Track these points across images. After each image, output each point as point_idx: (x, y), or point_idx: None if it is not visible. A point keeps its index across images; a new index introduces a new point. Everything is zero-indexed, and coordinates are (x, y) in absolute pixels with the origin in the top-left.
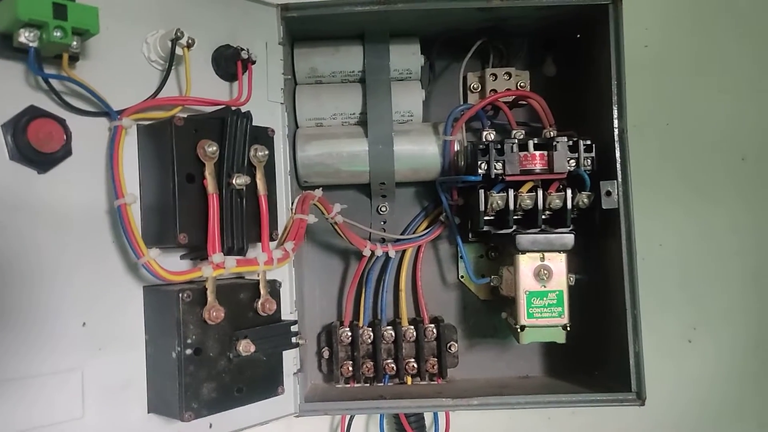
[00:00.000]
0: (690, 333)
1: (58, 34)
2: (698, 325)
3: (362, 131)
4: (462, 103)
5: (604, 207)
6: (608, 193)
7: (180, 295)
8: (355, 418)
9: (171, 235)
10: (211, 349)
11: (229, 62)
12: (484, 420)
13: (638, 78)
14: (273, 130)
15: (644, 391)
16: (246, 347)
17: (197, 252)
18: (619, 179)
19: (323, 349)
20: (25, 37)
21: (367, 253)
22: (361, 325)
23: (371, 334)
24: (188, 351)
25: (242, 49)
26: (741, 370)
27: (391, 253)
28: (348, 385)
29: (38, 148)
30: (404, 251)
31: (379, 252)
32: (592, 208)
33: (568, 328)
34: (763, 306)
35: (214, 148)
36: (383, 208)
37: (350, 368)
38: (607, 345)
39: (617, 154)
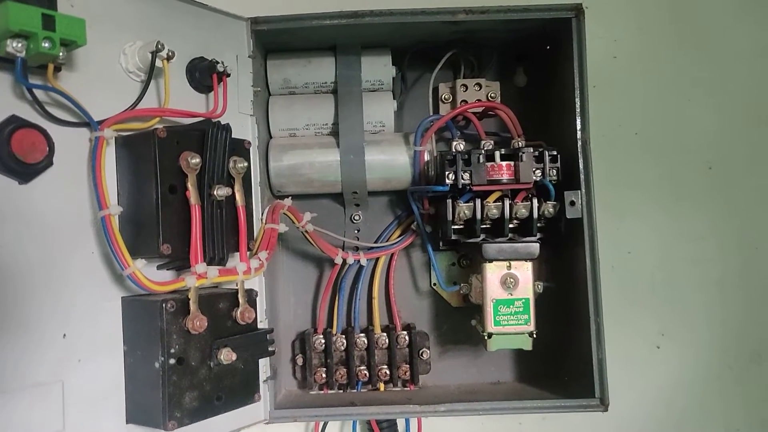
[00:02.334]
0: (658, 339)
1: (47, 45)
2: (666, 331)
3: (335, 141)
4: (432, 113)
5: (568, 216)
6: (572, 203)
7: (164, 305)
8: (329, 424)
9: (153, 246)
10: (193, 359)
11: (204, 74)
12: (456, 426)
13: (608, 89)
14: (249, 142)
15: (607, 397)
16: (227, 356)
17: (176, 262)
18: (583, 189)
19: (297, 356)
20: (12, 47)
21: (338, 261)
22: (334, 332)
23: (344, 341)
24: (171, 361)
25: (218, 62)
26: (708, 376)
27: (363, 261)
28: (321, 392)
29: (22, 158)
30: (377, 259)
31: (350, 260)
32: (557, 218)
33: (535, 336)
34: (729, 312)
35: (197, 160)
36: (357, 217)
37: (323, 375)
38: (574, 352)
39: (580, 165)
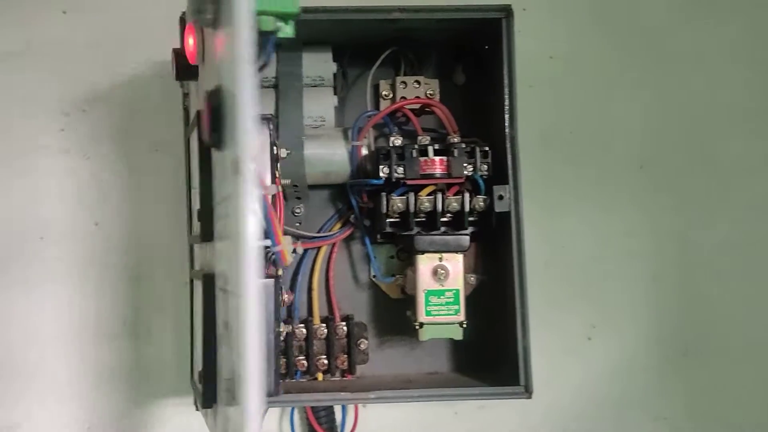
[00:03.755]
0: (590, 331)
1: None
2: (597, 323)
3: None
4: (371, 109)
5: (496, 210)
6: (500, 197)
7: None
8: (268, 413)
9: None
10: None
11: None
12: (393, 415)
13: (544, 88)
14: None
15: (531, 384)
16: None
17: None
18: (511, 184)
19: None
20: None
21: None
22: None
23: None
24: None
25: None
26: (637, 367)
27: (299, 250)
28: None
29: None
30: (317, 252)
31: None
32: (488, 212)
33: (465, 326)
34: (657, 305)
35: None
36: (298, 210)
37: None
38: (504, 342)
39: (509, 160)
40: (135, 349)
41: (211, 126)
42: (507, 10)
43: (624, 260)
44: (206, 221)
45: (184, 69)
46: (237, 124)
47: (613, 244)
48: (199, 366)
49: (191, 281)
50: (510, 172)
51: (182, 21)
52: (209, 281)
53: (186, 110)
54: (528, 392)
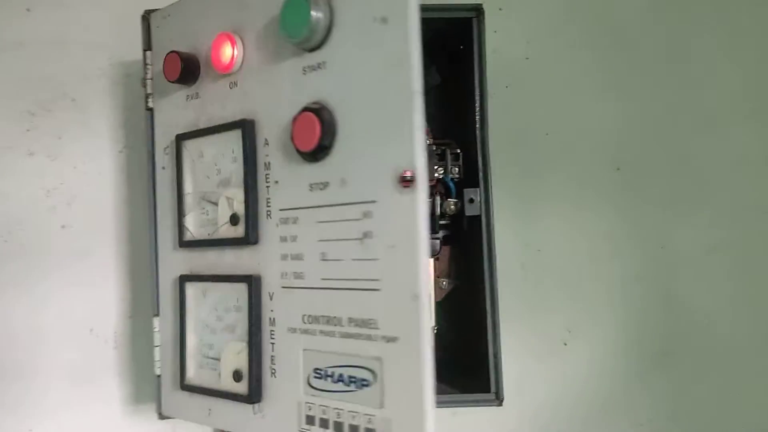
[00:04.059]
0: (565, 335)
1: None
2: (573, 328)
3: None
4: None
5: (467, 214)
6: (471, 200)
7: None
8: None
9: None
10: None
11: None
12: None
13: (520, 89)
14: None
15: (502, 391)
16: None
17: None
18: (481, 186)
19: None
20: None
21: None
22: None
23: None
24: None
25: None
26: (614, 371)
27: None
28: None
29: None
30: None
31: None
32: (461, 215)
33: (435, 330)
34: (635, 309)
35: None
36: None
37: None
38: (476, 348)
39: (479, 163)
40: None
41: (321, 141)
42: (478, 10)
43: (601, 263)
44: (252, 226)
45: (187, 73)
46: (412, 140)
47: (590, 246)
48: (219, 367)
49: (180, 284)
50: (480, 174)
51: (144, 19)
52: (257, 283)
53: (150, 111)
54: (498, 399)
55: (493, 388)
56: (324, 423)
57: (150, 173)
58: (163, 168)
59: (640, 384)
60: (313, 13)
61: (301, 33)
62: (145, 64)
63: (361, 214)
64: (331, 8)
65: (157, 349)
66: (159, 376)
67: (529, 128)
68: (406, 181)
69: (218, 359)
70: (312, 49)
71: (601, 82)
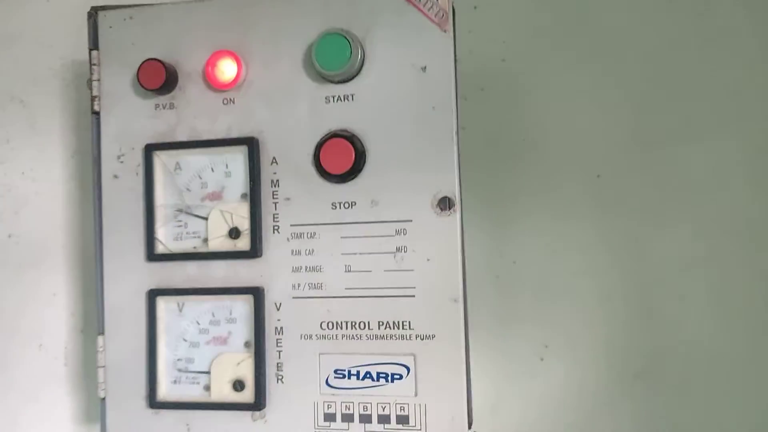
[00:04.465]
0: (542, 351)
1: None
2: (550, 343)
3: None
4: None
5: None
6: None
7: None
8: None
9: None
10: None
11: None
12: None
13: (496, 92)
14: None
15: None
16: None
17: None
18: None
19: None
20: None
21: None
22: None
23: None
24: None
25: None
26: (593, 389)
27: None
28: None
29: None
30: None
31: None
32: None
33: None
34: (614, 324)
35: None
36: None
37: None
38: None
39: None
40: None
41: (354, 165)
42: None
43: (577, 276)
44: (257, 239)
45: (168, 84)
46: (453, 171)
47: (567, 259)
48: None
49: (150, 298)
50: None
51: (90, 16)
52: (260, 294)
53: (96, 114)
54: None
55: None
56: (348, 417)
57: (95, 180)
58: (116, 177)
59: (619, 401)
60: (353, 51)
61: (340, 67)
62: (92, 65)
63: (394, 231)
64: (363, 49)
65: (101, 370)
66: (104, 399)
67: (505, 133)
68: (446, 206)
69: (206, 372)
70: (339, 82)
71: (582, 85)
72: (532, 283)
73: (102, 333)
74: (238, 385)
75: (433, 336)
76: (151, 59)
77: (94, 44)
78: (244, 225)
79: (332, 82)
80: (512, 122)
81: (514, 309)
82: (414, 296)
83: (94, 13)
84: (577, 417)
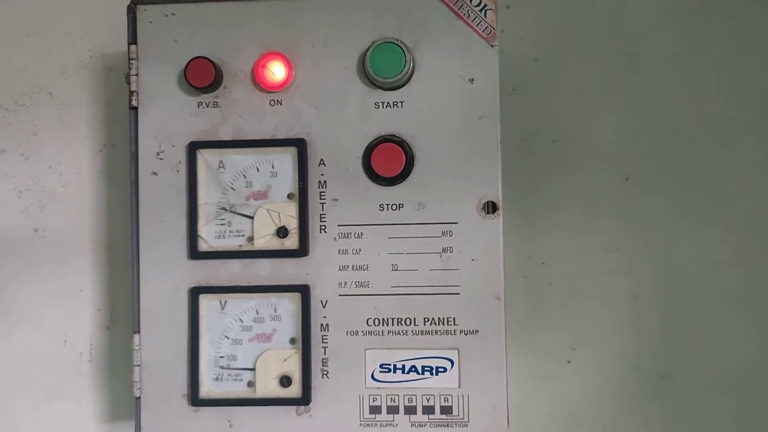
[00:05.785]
0: (569, 353)
1: None
2: (578, 345)
3: None
4: None
5: None
6: None
7: None
8: None
9: None
10: None
11: None
12: None
13: (527, 92)
14: None
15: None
16: None
17: None
18: None
19: None
20: None
21: None
22: None
23: None
24: None
25: None
26: (619, 391)
27: None
28: None
29: None
30: None
31: None
32: None
33: None
34: (641, 326)
35: None
36: None
37: None
38: None
39: None
40: None
41: (404, 169)
42: None
43: (605, 277)
44: (305, 238)
45: (216, 83)
46: (497, 177)
47: (595, 260)
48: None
49: (192, 295)
50: None
51: (130, 10)
52: (307, 292)
53: (134, 109)
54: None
55: None
56: (393, 409)
57: (133, 176)
58: (154, 173)
59: (645, 404)
60: (406, 60)
61: (394, 75)
62: (130, 59)
63: (440, 232)
64: (414, 59)
65: (136, 368)
66: (138, 398)
67: (536, 134)
68: (490, 210)
69: (250, 369)
70: (389, 89)
71: (614, 87)
72: (560, 285)
73: (137, 331)
74: (285, 381)
75: (477, 331)
76: (201, 57)
77: (132, 38)
78: (292, 224)
79: (382, 88)
80: (543, 124)
81: (541, 310)
82: (459, 294)
83: (133, 7)
84: (604, 419)
